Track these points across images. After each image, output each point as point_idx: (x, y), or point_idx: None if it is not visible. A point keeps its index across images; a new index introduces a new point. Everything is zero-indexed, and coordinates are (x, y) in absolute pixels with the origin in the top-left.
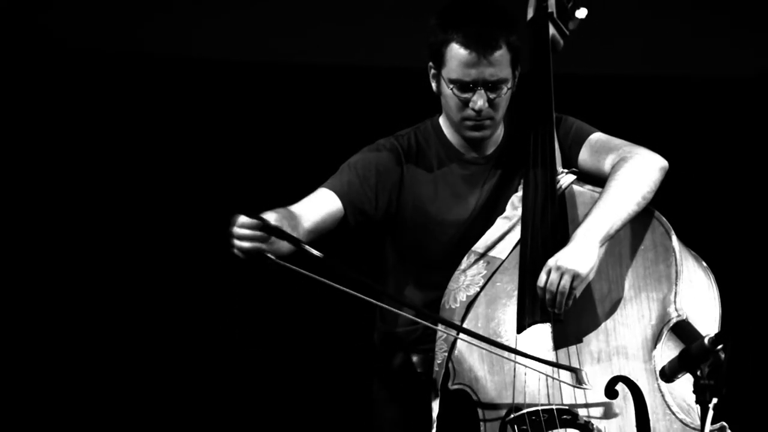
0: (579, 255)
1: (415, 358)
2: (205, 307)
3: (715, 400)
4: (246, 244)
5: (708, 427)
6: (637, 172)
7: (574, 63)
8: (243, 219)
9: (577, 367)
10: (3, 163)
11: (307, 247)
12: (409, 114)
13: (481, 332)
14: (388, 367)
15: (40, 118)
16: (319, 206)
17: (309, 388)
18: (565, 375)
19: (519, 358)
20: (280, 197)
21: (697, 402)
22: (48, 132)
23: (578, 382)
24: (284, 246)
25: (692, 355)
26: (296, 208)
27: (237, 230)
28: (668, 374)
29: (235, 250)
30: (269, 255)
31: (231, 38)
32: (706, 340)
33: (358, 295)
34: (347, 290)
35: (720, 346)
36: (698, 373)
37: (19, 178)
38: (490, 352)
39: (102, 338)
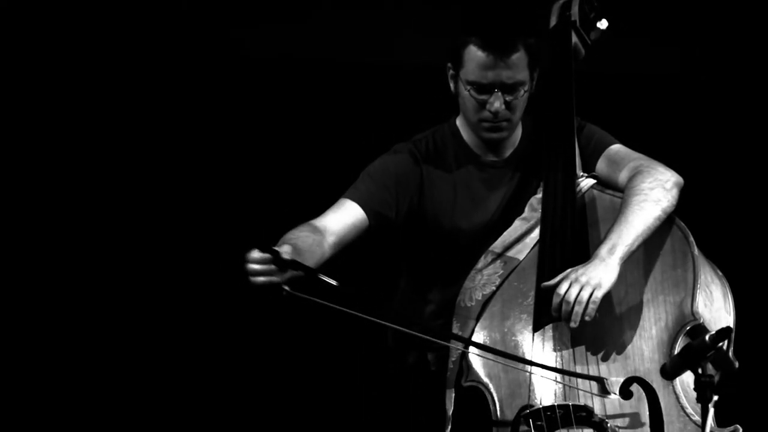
0: (600, 271)
1: (429, 356)
2: (206, 309)
3: (715, 398)
4: (261, 279)
5: (709, 423)
6: (657, 188)
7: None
8: (256, 254)
9: (601, 376)
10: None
11: (322, 276)
12: (428, 114)
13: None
14: (403, 366)
15: (38, 120)
16: (342, 219)
17: (319, 390)
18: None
19: (537, 369)
20: (300, 201)
21: (697, 400)
22: (47, 135)
23: (604, 391)
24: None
25: (694, 351)
26: (320, 222)
27: (251, 266)
28: (669, 371)
29: (251, 285)
30: (285, 287)
31: (238, 33)
32: (707, 337)
33: (375, 320)
34: (364, 317)
35: (721, 343)
36: (699, 370)
37: (16, 182)
38: (507, 365)
39: (99, 340)
